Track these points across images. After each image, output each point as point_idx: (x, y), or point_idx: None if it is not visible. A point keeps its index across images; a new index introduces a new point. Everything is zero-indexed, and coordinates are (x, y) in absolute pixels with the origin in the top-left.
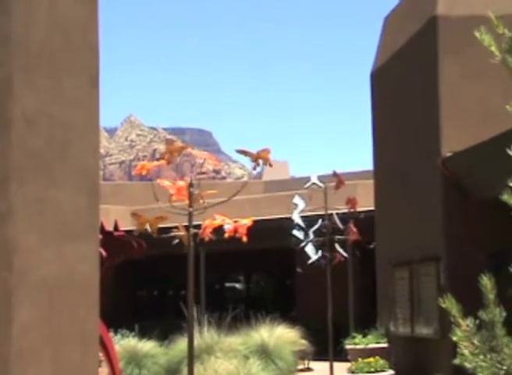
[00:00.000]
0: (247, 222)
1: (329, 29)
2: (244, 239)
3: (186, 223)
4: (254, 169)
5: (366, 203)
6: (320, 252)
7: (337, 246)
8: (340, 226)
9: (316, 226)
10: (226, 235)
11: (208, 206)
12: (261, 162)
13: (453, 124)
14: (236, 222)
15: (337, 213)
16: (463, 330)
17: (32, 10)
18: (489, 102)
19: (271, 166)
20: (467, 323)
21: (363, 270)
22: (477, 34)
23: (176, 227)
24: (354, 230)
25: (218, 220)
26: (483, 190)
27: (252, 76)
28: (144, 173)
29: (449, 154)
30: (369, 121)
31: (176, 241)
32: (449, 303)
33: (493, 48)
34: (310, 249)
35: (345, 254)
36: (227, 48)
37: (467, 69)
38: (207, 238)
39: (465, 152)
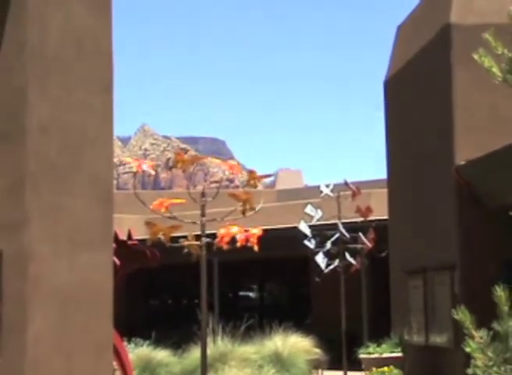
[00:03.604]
0: (256, 231)
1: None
2: (256, 248)
3: (199, 232)
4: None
5: (380, 212)
6: (336, 261)
7: (347, 255)
8: (347, 235)
9: (335, 237)
10: (238, 244)
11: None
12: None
13: (466, 132)
14: (246, 231)
15: (350, 222)
16: (476, 342)
17: (46, 19)
18: (502, 111)
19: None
20: (481, 335)
21: (376, 279)
22: (476, 56)
23: (185, 237)
24: (364, 239)
25: (235, 229)
26: (497, 198)
27: (266, 85)
28: (162, 210)
29: (463, 162)
30: (383, 129)
31: (185, 250)
32: (463, 315)
33: (494, 70)
34: (320, 258)
35: (354, 262)
36: (239, 58)
37: (480, 76)
38: (225, 247)
39: (479, 160)
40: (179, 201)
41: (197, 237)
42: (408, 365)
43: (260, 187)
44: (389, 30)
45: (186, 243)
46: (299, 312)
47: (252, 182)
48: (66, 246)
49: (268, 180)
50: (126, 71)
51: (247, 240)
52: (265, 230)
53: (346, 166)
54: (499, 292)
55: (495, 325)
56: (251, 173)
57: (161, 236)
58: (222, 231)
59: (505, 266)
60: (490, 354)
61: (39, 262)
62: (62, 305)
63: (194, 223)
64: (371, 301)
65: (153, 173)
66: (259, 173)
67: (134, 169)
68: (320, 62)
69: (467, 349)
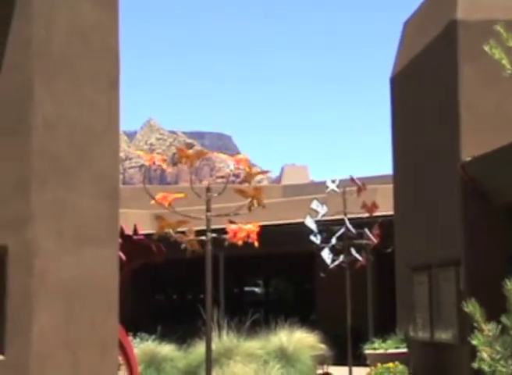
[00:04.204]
0: (254, 227)
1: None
2: (256, 244)
3: (204, 227)
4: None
5: (386, 208)
6: (341, 257)
7: (353, 251)
8: (353, 231)
9: (340, 232)
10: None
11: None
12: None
13: (472, 129)
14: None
15: (355, 218)
16: (484, 335)
17: (52, 16)
18: (508, 107)
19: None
20: (489, 328)
21: (382, 275)
22: (486, 48)
23: (183, 232)
24: (370, 235)
25: (249, 226)
26: (502, 194)
27: (273, 82)
28: (166, 204)
29: (468, 159)
30: (389, 125)
31: (183, 245)
32: (473, 308)
33: (504, 62)
34: (326, 254)
35: (360, 258)
36: (246, 55)
37: (486, 73)
38: (240, 243)
39: (485, 157)
40: (181, 195)
41: (199, 233)
42: (413, 361)
43: (266, 182)
44: (397, 29)
45: (188, 238)
46: (304, 308)
47: (249, 178)
48: (72, 242)
49: (274, 176)
50: (132, 66)
51: (248, 236)
52: (271, 226)
53: (351, 162)
54: (509, 286)
55: (503, 319)
56: (248, 168)
57: (169, 230)
58: (232, 227)
59: (510, 262)
60: (498, 347)
61: (44, 257)
62: (68, 301)
63: (193, 217)
64: (376, 297)
65: (165, 166)
66: (264, 168)
67: (146, 163)
68: (327, 61)
69: (475, 342)
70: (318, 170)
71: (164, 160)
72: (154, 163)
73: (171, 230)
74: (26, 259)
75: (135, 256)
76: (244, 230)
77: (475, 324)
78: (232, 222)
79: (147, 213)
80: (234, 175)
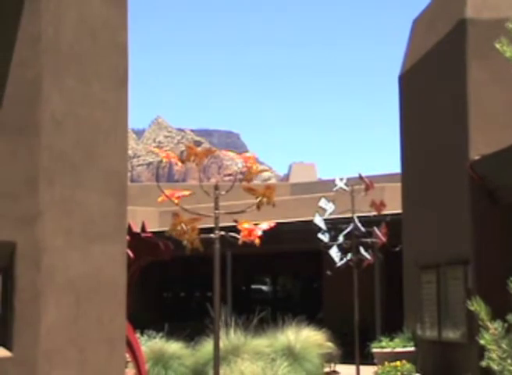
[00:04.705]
0: (267, 226)
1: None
2: (257, 242)
3: (213, 225)
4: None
5: (394, 206)
6: (349, 255)
7: (361, 249)
8: (362, 229)
9: (347, 230)
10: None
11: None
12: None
13: (481, 128)
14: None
15: (363, 216)
16: (491, 334)
17: (61, 11)
18: None
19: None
20: (495, 327)
21: (390, 273)
22: (498, 46)
23: (185, 231)
24: (378, 233)
25: (264, 225)
26: (511, 193)
27: (280, 79)
28: (175, 201)
29: (477, 157)
30: (398, 123)
31: (184, 243)
32: (478, 306)
33: None
34: (334, 252)
35: (368, 257)
36: (254, 53)
37: (495, 71)
38: (256, 242)
39: (493, 155)
40: (186, 192)
41: (207, 230)
42: (421, 359)
43: (274, 180)
44: (407, 26)
45: (187, 236)
46: (312, 306)
47: (249, 176)
48: (80, 239)
49: (282, 174)
50: (141, 64)
51: (250, 234)
52: (279, 224)
53: (359, 160)
54: None
55: (509, 317)
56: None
57: (182, 227)
58: (245, 226)
59: None
60: (504, 346)
61: (53, 254)
62: (76, 298)
63: (202, 215)
64: (384, 296)
65: (180, 164)
66: (272, 166)
67: (155, 161)
68: (336, 58)
69: (482, 341)
70: (325, 168)
71: (178, 158)
72: (169, 160)
73: (184, 226)
74: (34, 256)
75: (143, 254)
76: (259, 228)
77: (480, 323)
78: (236, 221)
79: (154, 211)
80: (242, 173)
